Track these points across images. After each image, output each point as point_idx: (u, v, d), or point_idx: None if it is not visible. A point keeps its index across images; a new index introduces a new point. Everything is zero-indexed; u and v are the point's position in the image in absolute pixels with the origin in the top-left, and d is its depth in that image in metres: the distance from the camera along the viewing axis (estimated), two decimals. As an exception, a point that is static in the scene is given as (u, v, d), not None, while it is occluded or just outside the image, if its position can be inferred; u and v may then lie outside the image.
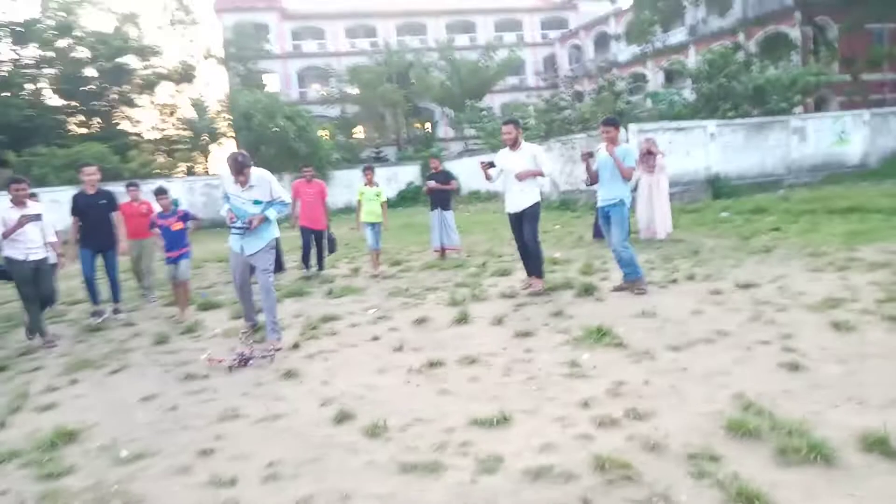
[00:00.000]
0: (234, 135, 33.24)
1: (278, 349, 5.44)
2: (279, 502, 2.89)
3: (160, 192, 7.52)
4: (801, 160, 20.01)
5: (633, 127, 17.69)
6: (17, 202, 6.38)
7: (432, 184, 10.54)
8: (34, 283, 6.44)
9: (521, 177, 6.85)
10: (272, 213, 5.86)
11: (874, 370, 3.92)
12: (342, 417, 3.83)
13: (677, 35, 35.33)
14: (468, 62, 35.63)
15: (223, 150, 38.49)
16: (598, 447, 3.12)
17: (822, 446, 2.85)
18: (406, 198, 27.74)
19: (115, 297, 7.78)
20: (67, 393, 4.91)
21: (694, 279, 7.05)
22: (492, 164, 7.23)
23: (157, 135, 36.55)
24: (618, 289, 6.74)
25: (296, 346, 5.66)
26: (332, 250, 10.34)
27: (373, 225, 9.44)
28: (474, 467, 3.04)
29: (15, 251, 6.34)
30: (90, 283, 7.55)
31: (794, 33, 29.76)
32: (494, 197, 23.27)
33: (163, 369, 5.33)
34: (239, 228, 5.78)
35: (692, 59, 34.71)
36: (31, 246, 6.39)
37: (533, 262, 7.09)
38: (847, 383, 3.75)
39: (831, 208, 11.78)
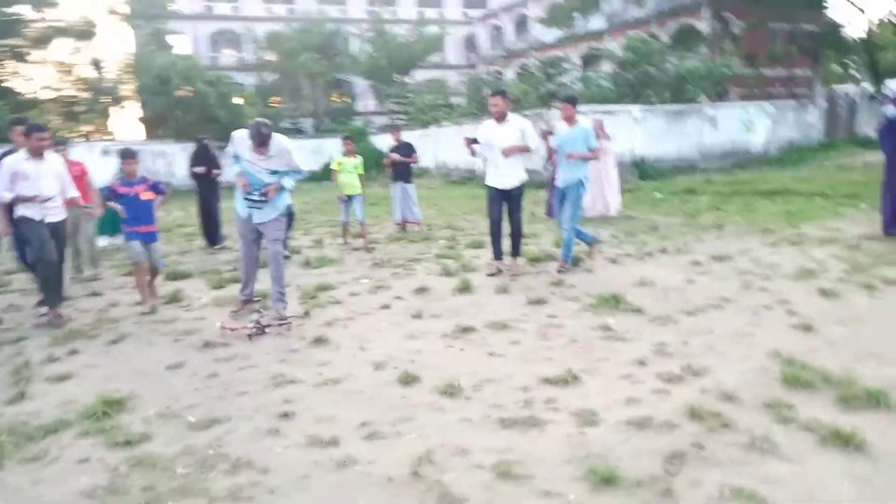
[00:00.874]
0: (139, 98, 31.26)
1: (289, 317, 5.34)
2: (397, 457, 2.92)
3: (127, 156, 7.02)
4: (711, 146, 21.41)
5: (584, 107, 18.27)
6: (36, 153, 5.61)
7: (395, 156, 10.49)
8: (52, 246, 5.71)
9: (506, 152, 6.56)
10: (289, 183, 5.63)
11: (875, 331, 4.41)
12: (408, 379, 3.87)
13: (595, 22, 36.47)
14: (398, 36, 35.15)
15: (126, 113, 36.13)
16: (679, 400, 3.36)
17: (880, 393, 3.22)
18: (329, 170, 27.23)
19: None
20: (75, 362, 4.62)
21: (667, 252, 7.50)
22: (475, 140, 6.95)
23: (53, 94, 33.66)
24: (560, 270, 6.70)
25: (306, 314, 5.57)
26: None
27: (352, 197, 9.28)
28: (574, 421, 3.20)
29: (30, 210, 5.63)
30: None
31: (703, 26, 31.57)
32: (425, 173, 23.35)
33: (170, 338, 5.10)
34: (256, 201, 5.55)
35: (608, 46, 36.14)
36: (49, 205, 5.70)
37: (516, 241, 7.01)
38: (857, 342, 4.21)
39: (756, 191, 12.78)
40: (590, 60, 35.55)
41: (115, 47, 35.97)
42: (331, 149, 28.70)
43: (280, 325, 5.20)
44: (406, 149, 10.65)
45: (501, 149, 6.61)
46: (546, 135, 6.99)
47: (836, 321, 4.64)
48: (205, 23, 41.81)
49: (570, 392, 3.57)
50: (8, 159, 5.69)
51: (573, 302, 5.55)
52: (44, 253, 5.64)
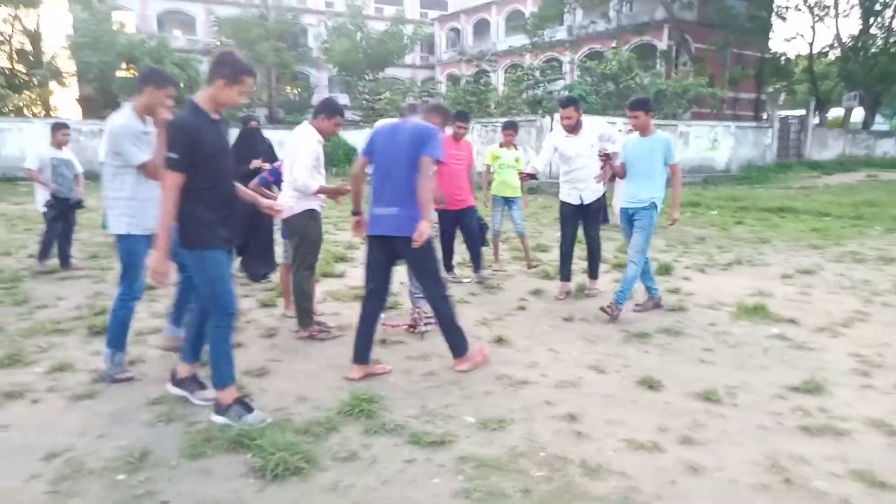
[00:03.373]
0: (79, 75, 29.36)
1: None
2: (739, 462, 2.91)
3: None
4: (683, 162, 22.13)
5: (557, 116, 18.60)
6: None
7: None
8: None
9: (599, 179, 5.89)
10: None
11: None
12: (650, 383, 3.86)
13: (558, 33, 37.23)
14: (379, 31, 34.61)
15: (67, 90, 33.93)
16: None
17: None
18: (298, 165, 26.43)
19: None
20: (261, 356, 4.34)
21: (743, 264, 7.79)
22: (532, 176, 6.19)
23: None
24: (607, 310, 5.33)
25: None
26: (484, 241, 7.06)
27: (509, 200, 7.33)
28: (872, 429, 3.28)
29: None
30: None
31: (662, 46, 32.90)
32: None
33: (325, 338, 4.85)
34: None
35: (567, 58, 37.02)
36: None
37: (594, 261, 6.35)
38: None
39: (763, 207, 13.44)
40: (545, 71, 36.31)
41: (55, 19, 33.51)
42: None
43: (427, 323, 5.04)
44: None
45: (595, 176, 5.89)
46: (605, 159, 5.66)
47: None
48: (154, 1, 39.81)
49: (826, 401, 3.66)
50: None
51: (712, 310, 5.68)
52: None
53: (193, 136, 3.17)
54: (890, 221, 11.40)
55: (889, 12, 31.11)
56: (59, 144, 7.29)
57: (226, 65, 3.28)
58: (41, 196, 7.47)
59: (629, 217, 5.59)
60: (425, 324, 4.98)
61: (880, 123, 40.25)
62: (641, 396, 3.73)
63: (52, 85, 33.08)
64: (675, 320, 5.34)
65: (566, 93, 23.68)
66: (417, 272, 4.29)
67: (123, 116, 3.86)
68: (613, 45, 31.04)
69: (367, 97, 29.53)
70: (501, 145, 7.44)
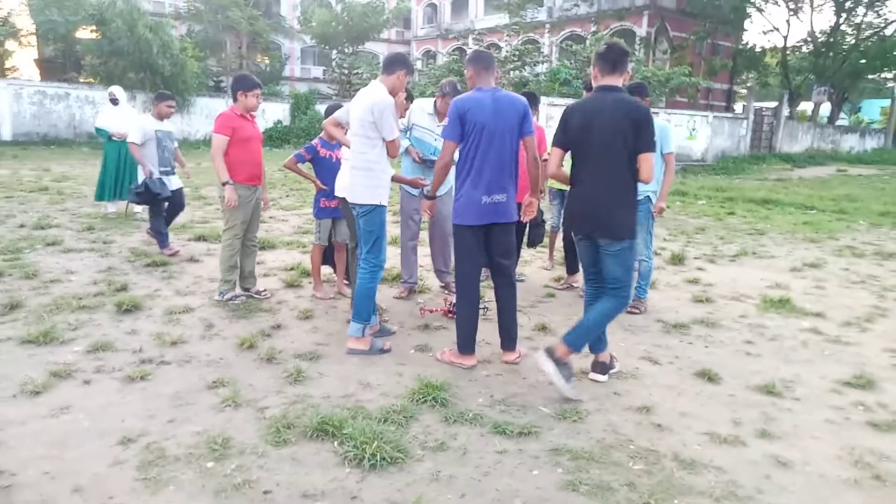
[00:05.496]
0: (39, 36, 28.02)
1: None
2: (825, 457, 2.97)
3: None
4: (663, 150, 22.56)
5: (543, 100, 18.59)
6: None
7: None
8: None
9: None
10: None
11: None
12: (708, 376, 3.91)
13: (538, 14, 37.07)
14: (361, 2, 33.80)
15: (25, 52, 32.37)
16: None
17: None
18: (273, 137, 25.88)
19: None
20: (307, 339, 4.25)
21: (748, 255, 7.94)
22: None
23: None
24: (632, 308, 5.17)
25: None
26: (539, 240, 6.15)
27: (564, 193, 6.19)
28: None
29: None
30: None
31: (641, 32, 33.09)
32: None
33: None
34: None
35: (546, 39, 36.98)
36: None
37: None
38: None
39: (749, 198, 13.71)
40: (536, 51, 36.24)
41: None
42: (276, 112, 27.31)
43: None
44: None
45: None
46: None
47: None
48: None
49: (881, 396, 3.76)
50: None
51: (738, 302, 5.78)
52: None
53: None
54: (873, 216, 11.74)
55: (861, 9, 31.89)
56: (161, 116, 6.78)
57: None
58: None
59: None
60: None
61: (842, 119, 41.53)
62: (704, 389, 3.77)
63: (10, 45, 31.56)
64: (706, 312, 5.41)
65: (542, 78, 23.71)
66: (505, 252, 4.02)
67: (383, 93, 3.97)
68: (593, 28, 31.08)
69: (345, 71, 29.01)
70: None
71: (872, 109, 46.77)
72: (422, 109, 5.38)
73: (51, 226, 7.79)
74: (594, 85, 3.61)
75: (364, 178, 3.99)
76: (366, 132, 3.95)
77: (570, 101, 18.03)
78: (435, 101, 5.45)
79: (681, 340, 4.65)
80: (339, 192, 4.40)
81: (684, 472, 2.80)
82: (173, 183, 6.83)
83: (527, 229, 5.86)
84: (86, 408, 3.22)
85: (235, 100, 5.05)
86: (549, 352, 3.49)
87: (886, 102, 42.05)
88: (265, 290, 5.35)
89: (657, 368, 4.08)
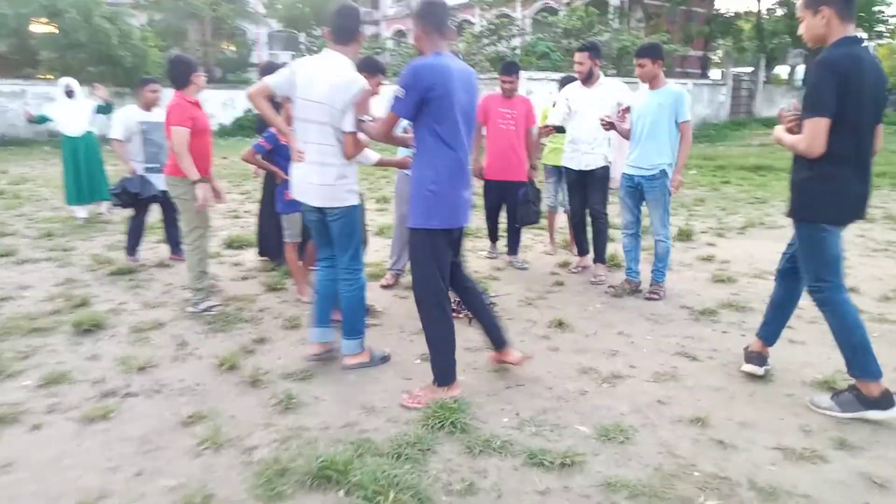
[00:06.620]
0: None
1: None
2: None
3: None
4: (644, 120, 22.17)
5: (522, 74, 18.03)
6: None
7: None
8: None
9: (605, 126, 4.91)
10: None
11: None
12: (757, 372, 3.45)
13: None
14: None
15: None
16: None
17: None
18: (245, 126, 24.93)
19: None
20: (297, 354, 3.70)
21: (756, 227, 7.52)
22: (559, 129, 5.46)
23: None
24: (651, 296, 4.84)
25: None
26: (530, 219, 5.77)
27: (561, 171, 5.89)
28: None
29: None
30: None
31: (615, 1, 32.46)
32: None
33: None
34: None
35: (519, 13, 36.20)
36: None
37: (598, 240, 5.45)
38: None
39: (741, 165, 13.34)
40: (513, 25, 35.55)
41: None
42: (245, 101, 26.27)
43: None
44: None
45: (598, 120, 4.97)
46: (624, 113, 4.97)
47: None
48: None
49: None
50: None
51: (761, 280, 5.33)
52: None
53: None
54: (869, 179, 11.41)
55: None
56: (147, 104, 5.94)
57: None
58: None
59: (633, 186, 4.81)
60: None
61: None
62: (755, 389, 3.31)
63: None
64: (730, 293, 4.95)
65: (518, 52, 23.07)
66: (459, 251, 3.46)
67: (353, 70, 3.35)
68: (566, 0, 30.40)
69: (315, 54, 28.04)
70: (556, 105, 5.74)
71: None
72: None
73: (4, 234, 7.10)
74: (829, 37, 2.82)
75: (335, 177, 3.33)
76: (333, 119, 3.26)
77: (550, 74, 17.11)
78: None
79: (713, 329, 4.18)
80: (299, 196, 3.45)
81: (767, 504, 2.32)
82: (161, 181, 5.78)
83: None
84: (33, 464, 2.65)
85: (184, 86, 4.42)
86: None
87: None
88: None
89: (696, 366, 3.60)
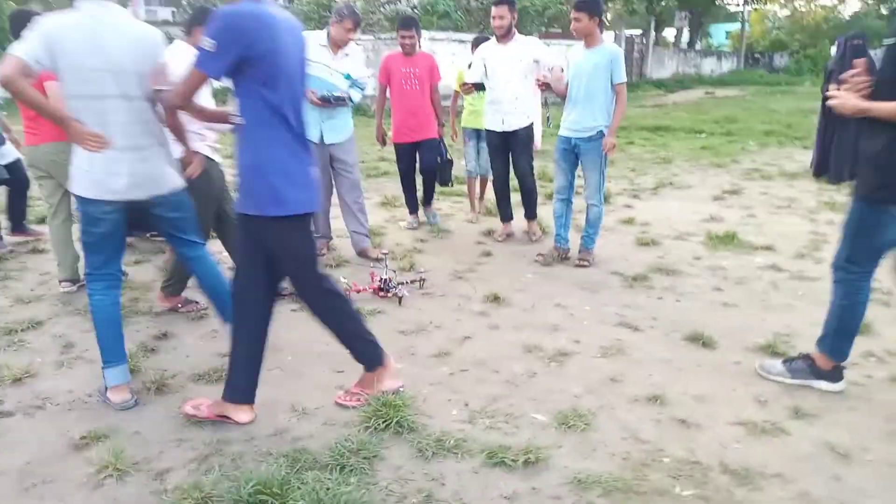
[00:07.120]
0: None
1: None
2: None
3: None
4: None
5: (424, 34, 17.53)
6: None
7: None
8: None
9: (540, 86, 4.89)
10: (356, 96, 4.70)
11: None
12: (701, 340, 3.38)
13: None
14: None
15: None
16: None
17: None
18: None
19: None
20: (205, 350, 3.25)
21: (666, 187, 7.63)
22: (480, 87, 5.23)
23: None
24: (581, 263, 4.72)
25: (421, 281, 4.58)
26: (444, 179, 5.83)
27: (480, 133, 5.70)
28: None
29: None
30: None
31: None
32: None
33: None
34: (331, 108, 4.56)
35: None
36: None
37: (529, 198, 5.38)
38: None
39: (640, 126, 13.62)
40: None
41: None
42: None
43: (413, 282, 4.23)
44: None
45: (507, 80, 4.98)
46: (560, 71, 4.78)
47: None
48: None
49: (884, 342, 3.38)
50: None
51: (682, 241, 5.34)
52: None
53: None
54: (759, 136, 11.96)
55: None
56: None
57: None
58: None
59: (568, 148, 4.63)
60: (399, 284, 4.10)
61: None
62: (702, 358, 3.22)
63: None
64: (656, 256, 4.92)
65: (418, 11, 22.42)
66: None
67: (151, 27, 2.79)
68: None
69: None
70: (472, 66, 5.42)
71: (719, 33, 49.26)
72: (316, 40, 4.42)
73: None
74: None
75: (167, 156, 2.83)
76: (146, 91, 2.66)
77: (452, 35, 16.71)
78: (328, 31, 4.57)
79: (648, 297, 4.10)
80: (133, 194, 2.69)
81: (743, 489, 2.20)
82: (5, 154, 5.23)
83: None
84: None
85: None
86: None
87: (731, 26, 44.44)
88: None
89: (640, 336, 3.49)
